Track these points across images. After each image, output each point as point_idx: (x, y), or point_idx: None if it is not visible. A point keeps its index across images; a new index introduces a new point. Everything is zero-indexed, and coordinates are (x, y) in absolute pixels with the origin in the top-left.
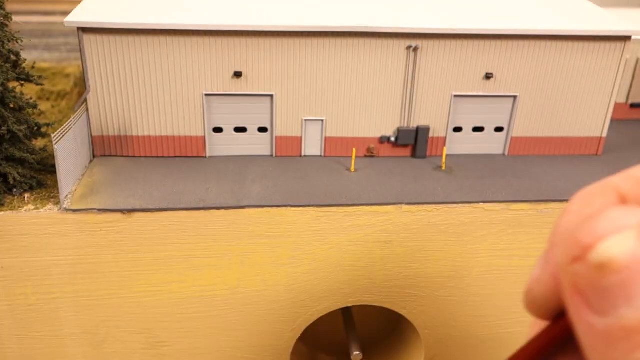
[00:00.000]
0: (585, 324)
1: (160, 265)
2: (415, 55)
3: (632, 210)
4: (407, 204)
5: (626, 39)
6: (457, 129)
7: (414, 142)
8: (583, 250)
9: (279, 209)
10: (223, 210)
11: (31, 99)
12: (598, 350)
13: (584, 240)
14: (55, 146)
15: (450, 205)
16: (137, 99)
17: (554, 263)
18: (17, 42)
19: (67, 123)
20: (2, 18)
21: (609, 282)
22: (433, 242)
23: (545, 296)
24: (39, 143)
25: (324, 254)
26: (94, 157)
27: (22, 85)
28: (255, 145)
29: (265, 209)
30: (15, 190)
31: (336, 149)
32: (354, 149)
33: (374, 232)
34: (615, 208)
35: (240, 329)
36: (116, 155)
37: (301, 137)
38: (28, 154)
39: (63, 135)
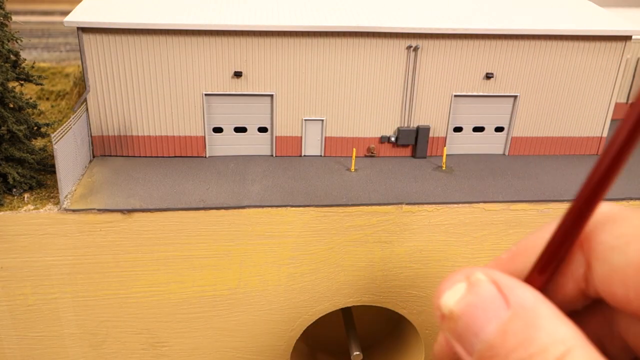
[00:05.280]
0: None
1: (160, 265)
2: (416, 55)
3: (462, 270)
4: (407, 204)
5: (626, 38)
6: (457, 129)
7: (414, 142)
8: (437, 309)
9: (279, 209)
10: (223, 210)
11: (31, 98)
12: None
13: (435, 301)
14: (54, 146)
15: (450, 205)
16: (137, 99)
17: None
18: (17, 42)
19: (66, 123)
20: (1, 17)
21: (460, 327)
22: (433, 242)
23: (445, 355)
24: (38, 143)
25: (324, 254)
26: (93, 157)
27: (21, 85)
28: (255, 145)
29: (265, 209)
30: (14, 190)
31: (336, 149)
32: (354, 149)
33: (374, 232)
34: (457, 271)
35: (240, 329)
36: (116, 155)
37: (301, 137)
38: (27, 154)
39: (63, 135)
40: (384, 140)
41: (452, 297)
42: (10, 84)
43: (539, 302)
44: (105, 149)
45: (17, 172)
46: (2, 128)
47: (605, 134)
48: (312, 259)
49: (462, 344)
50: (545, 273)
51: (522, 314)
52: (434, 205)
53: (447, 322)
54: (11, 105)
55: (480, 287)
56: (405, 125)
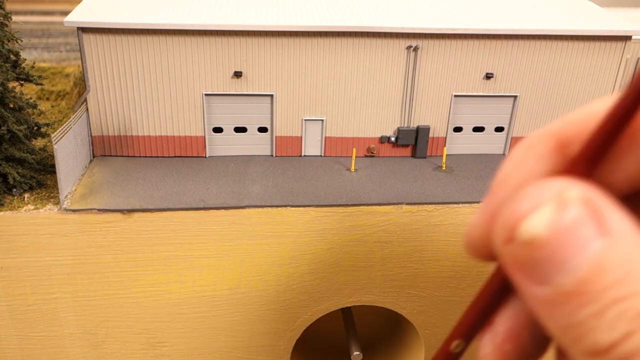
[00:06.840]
0: (529, 294)
1: (160, 265)
2: (415, 55)
3: (549, 184)
4: (407, 204)
5: (626, 38)
6: (457, 129)
7: (414, 142)
8: (510, 232)
9: (279, 209)
10: (223, 210)
11: (31, 98)
12: (545, 315)
13: (509, 222)
14: (55, 146)
15: (450, 205)
16: (137, 99)
17: (490, 210)
18: (17, 42)
19: (66, 123)
20: (1, 18)
21: (539, 256)
22: (433, 242)
23: (482, 240)
24: (38, 143)
25: (323, 254)
26: (93, 157)
27: (21, 85)
28: (255, 145)
29: (265, 209)
30: (15, 190)
31: (336, 149)
32: (354, 149)
33: (374, 232)
34: (534, 184)
35: (240, 329)
36: (116, 155)
37: (301, 137)
38: (28, 154)
39: (63, 135)
40: (384, 140)
41: (539, 221)
42: (10, 84)
43: (636, 228)
44: (105, 149)
45: (17, 172)
46: (2, 128)
47: None
48: (312, 259)
49: (532, 273)
50: (594, 163)
51: (622, 244)
52: (434, 205)
53: (518, 248)
54: (11, 105)
55: (571, 207)
56: (405, 125)
